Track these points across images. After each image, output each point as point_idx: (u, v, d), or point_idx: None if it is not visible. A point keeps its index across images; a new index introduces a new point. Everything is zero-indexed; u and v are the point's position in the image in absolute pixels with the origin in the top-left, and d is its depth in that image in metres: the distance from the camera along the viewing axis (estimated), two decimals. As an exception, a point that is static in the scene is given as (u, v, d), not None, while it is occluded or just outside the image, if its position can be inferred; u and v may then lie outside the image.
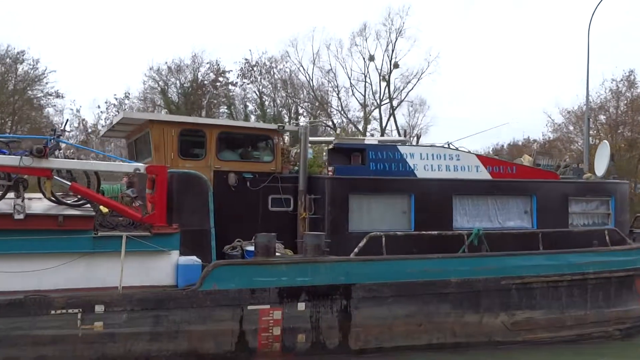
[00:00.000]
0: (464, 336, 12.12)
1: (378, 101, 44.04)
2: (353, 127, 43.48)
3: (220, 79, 43.47)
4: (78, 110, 42.16)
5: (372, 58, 43.44)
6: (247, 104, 43.91)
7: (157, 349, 10.06)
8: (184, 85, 42.35)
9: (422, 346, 11.80)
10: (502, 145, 46.01)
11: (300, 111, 44.43)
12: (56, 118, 39.62)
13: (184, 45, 71.72)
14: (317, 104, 43.99)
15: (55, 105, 40.77)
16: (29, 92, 39.52)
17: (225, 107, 42.78)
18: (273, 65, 44.06)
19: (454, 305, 12.04)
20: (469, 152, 13.95)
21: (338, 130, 40.73)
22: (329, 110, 44.19)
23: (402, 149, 13.02)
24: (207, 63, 42.96)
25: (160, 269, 10.71)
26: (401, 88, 44.19)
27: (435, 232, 12.40)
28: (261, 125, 15.01)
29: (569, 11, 71.40)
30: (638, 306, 14.04)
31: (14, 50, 38.66)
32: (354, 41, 44.33)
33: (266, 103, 43.55)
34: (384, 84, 43.66)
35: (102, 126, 21.11)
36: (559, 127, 40.56)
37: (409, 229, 12.77)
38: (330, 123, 42.90)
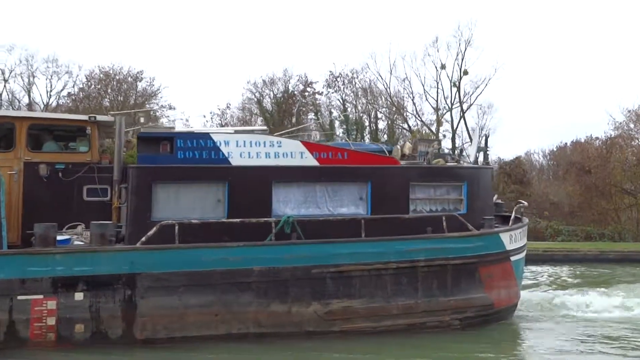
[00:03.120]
0: (270, 326, 11.86)
1: (449, 105, 47.97)
2: (427, 129, 48.04)
3: (308, 89, 49.40)
4: (187, 120, 47.86)
5: (443, 67, 47.11)
6: (332, 110, 49.91)
7: None
8: (277, 95, 48.65)
9: (221, 336, 11.60)
10: (566, 143, 51.68)
11: (379, 116, 49.88)
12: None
13: (277, 61, 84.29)
14: (394, 109, 48.88)
15: (168, 116, 46.94)
16: (147, 105, 45.43)
17: (313, 114, 48.85)
18: (354, 75, 49.37)
19: (257, 295, 11.80)
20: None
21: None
22: (404, 114, 49.22)
23: (215, 137, 12.71)
24: (297, 75, 49.31)
25: None
26: (470, 93, 48.13)
27: (238, 220, 12.12)
28: (72, 116, 15.01)
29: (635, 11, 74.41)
30: (481, 295, 13.55)
31: (134, 71, 46.11)
32: (426, 52, 48.39)
33: (348, 109, 48.68)
34: (454, 89, 47.59)
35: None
36: (620, 125, 43.16)
37: (223, 218, 12.53)
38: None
